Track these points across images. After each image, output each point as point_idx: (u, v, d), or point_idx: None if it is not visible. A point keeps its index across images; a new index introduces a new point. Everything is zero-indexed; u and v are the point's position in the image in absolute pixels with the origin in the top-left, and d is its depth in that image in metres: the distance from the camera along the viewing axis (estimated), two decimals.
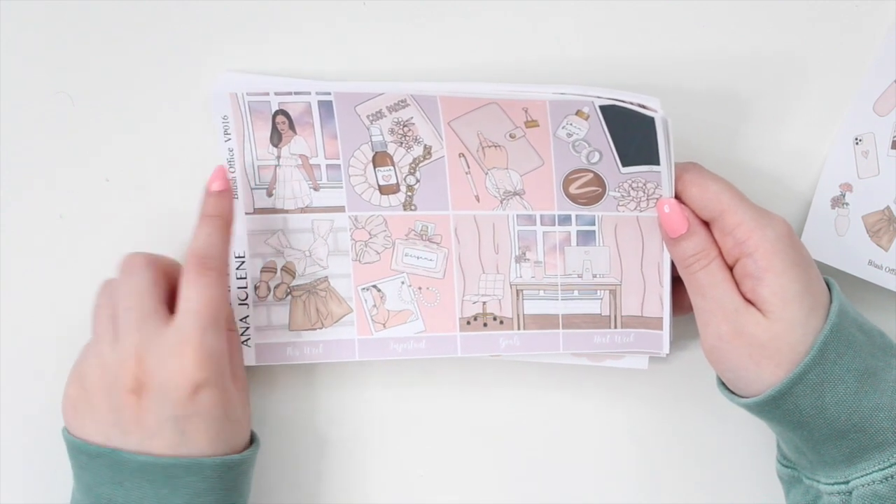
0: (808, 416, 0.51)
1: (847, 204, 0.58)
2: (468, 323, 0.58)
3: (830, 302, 0.52)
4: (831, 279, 0.54)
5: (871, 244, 0.58)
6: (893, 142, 0.57)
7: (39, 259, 0.60)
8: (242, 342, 0.59)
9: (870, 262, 0.58)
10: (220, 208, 0.55)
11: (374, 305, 0.59)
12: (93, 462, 0.52)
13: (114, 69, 0.58)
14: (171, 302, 0.54)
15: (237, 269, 0.58)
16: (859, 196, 0.58)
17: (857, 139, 0.57)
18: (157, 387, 0.50)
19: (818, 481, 0.54)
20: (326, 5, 0.57)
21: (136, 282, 0.53)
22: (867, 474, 0.51)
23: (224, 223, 0.54)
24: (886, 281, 0.58)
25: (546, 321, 0.58)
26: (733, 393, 0.55)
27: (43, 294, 0.60)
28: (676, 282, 0.56)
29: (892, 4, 0.56)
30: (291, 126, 0.56)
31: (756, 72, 0.57)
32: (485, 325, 0.58)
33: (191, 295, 0.52)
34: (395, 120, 0.55)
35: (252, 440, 0.56)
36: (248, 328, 0.59)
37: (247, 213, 0.57)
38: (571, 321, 0.58)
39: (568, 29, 0.57)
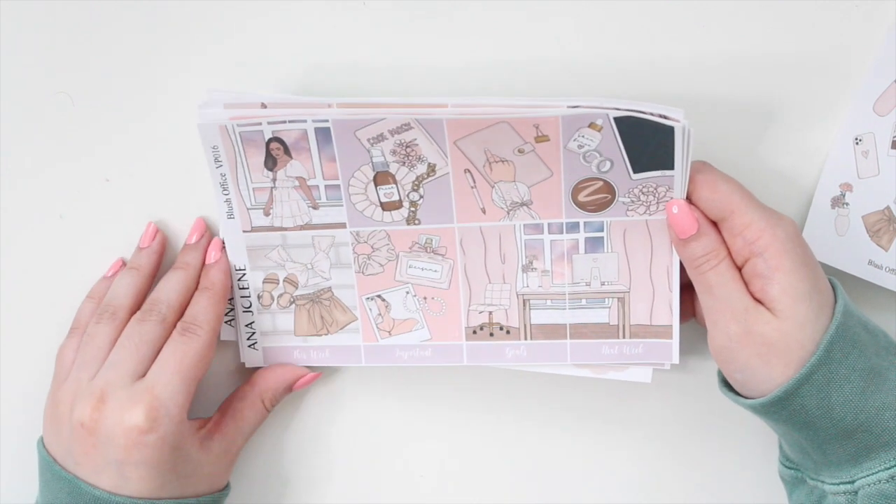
0: (814, 416, 0.51)
1: (847, 204, 0.58)
2: (474, 332, 0.58)
3: (835, 302, 0.52)
4: (835, 279, 0.54)
5: (871, 244, 0.58)
6: (893, 142, 0.57)
7: (39, 259, 0.60)
8: (249, 346, 0.59)
9: (870, 262, 0.58)
10: (210, 280, 0.57)
11: (379, 314, 0.58)
12: (56, 482, 0.55)
13: (113, 69, 0.57)
14: None
15: (238, 280, 0.58)
16: (859, 196, 0.58)
17: (857, 139, 0.57)
18: (105, 430, 0.53)
19: (823, 482, 0.54)
20: (326, 5, 0.57)
21: (141, 333, 0.55)
22: (873, 474, 0.51)
23: (214, 294, 0.57)
24: (886, 281, 0.58)
25: (553, 331, 0.58)
26: (738, 394, 0.55)
27: (43, 294, 0.60)
28: (681, 288, 0.56)
29: (892, 4, 0.56)
30: (287, 151, 0.54)
31: (755, 72, 0.57)
32: (491, 334, 0.58)
33: (166, 350, 0.55)
34: (398, 142, 0.53)
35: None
36: (253, 333, 0.59)
37: (244, 231, 0.57)
38: (579, 331, 0.57)
39: (573, 31, 0.57)
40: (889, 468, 0.51)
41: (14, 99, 0.58)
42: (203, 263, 0.58)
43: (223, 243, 0.58)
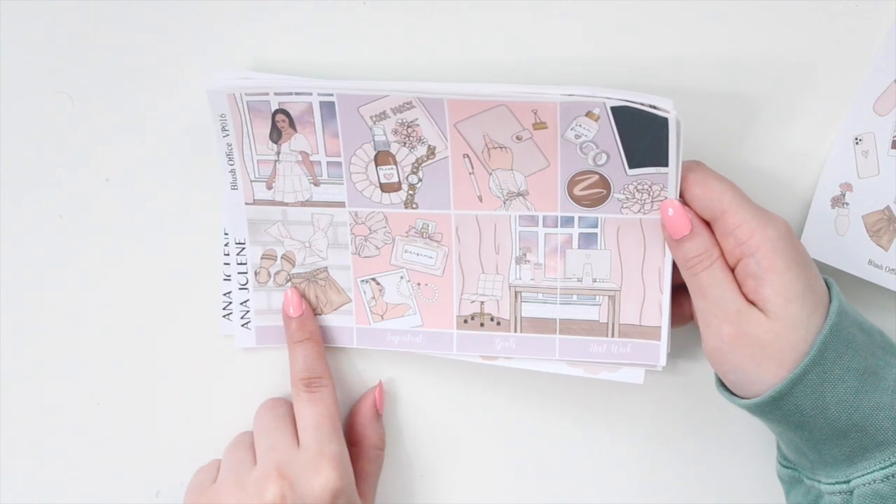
0: (808, 416, 0.51)
1: (847, 204, 0.58)
2: (465, 321, 0.58)
3: (830, 302, 0.52)
4: (830, 279, 0.54)
5: (871, 244, 0.58)
6: (893, 142, 0.57)
7: (39, 259, 0.60)
8: (243, 325, 0.60)
9: (870, 262, 0.58)
10: (305, 331, 0.58)
11: (373, 297, 0.59)
12: None
13: (113, 69, 0.58)
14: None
15: (238, 254, 0.59)
16: (859, 196, 0.58)
17: (857, 139, 0.57)
18: (300, 498, 0.54)
19: (819, 481, 0.54)
20: (326, 4, 0.57)
21: (269, 420, 0.58)
22: (868, 473, 0.51)
23: (314, 343, 0.58)
24: (886, 281, 0.58)
25: (543, 325, 0.58)
26: (733, 394, 0.54)
27: (43, 294, 0.60)
28: (677, 290, 0.56)
29: (892, 4, 0.56)
30: (292, 124, 0.55)
31: (755, 72, 0.57)
32: (481, 325, 0.58)
33: (305, 413, 0.57)
34: (400, 121, 0.54)
35: None
36: (248, 311, 0.59)
37: (247, 204, 0.57)
38: (569, 327, 0.58)
39: (572, 29, 0.57)
40: (884, 468, 0.51)
41: (14, 99, 0.58)
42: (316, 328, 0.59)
43: (301, 295, 0.59)
